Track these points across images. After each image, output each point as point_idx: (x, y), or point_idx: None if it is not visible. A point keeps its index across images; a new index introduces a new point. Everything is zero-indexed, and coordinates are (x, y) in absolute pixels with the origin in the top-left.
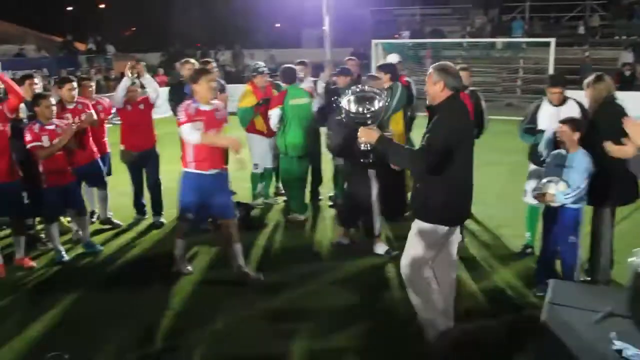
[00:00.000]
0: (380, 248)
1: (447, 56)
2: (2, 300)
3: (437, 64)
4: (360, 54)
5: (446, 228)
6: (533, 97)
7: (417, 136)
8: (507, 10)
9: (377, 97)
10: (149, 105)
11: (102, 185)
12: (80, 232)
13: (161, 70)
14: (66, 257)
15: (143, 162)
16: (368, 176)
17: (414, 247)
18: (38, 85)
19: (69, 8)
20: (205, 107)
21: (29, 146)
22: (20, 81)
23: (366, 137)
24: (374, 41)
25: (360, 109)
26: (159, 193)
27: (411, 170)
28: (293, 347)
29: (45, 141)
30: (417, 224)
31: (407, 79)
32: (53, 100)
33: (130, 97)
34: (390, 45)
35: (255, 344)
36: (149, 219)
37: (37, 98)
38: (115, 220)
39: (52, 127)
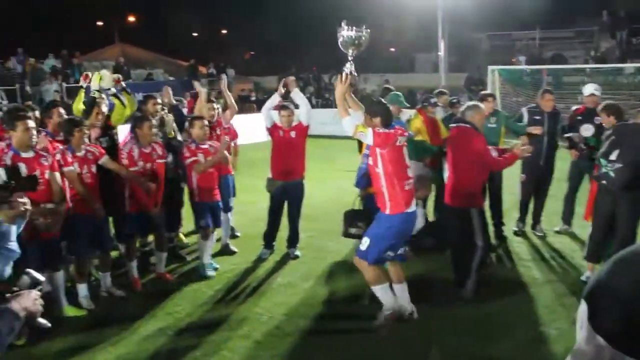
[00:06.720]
0: None
1: (567, 82)
2: (134, 310)
3: None
4: (475, 79)
5: None
6: None
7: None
8: (637, 32)
9: None
10: (302, 133)
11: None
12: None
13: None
14: (212, 273)
15: (287, 194)
16: None
17: None
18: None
19: (195, 34)
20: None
21: (187, 162)
22: (144, 101)
23: None
24: (490, 67)
25: None
26: (298, 225)
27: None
28: None
29: (201, 158)
30: None
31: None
32: (206, 122)
33: (284, 121)
34: (506, 72)
35: None
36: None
37: (193, 119)
38: (232, 247)
39: (205, 146)
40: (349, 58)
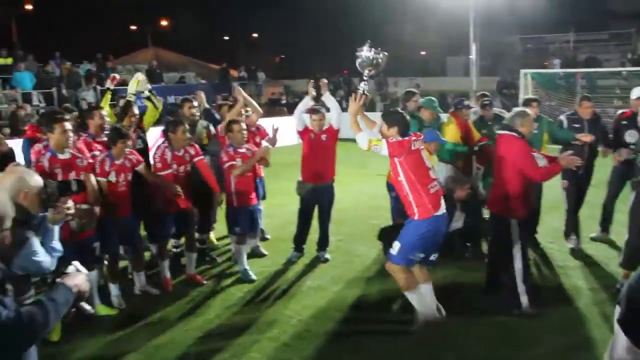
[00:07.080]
0: None
1: (602, 86)
2: (164, 311)
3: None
4: (507, 83)
5: None
6: None
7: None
8: None
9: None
10: (333, 136)
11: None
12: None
13: None
14: (254, 277)
15: (317, 197)
16: None
17: None
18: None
19: (226, 38)
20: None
21: (225, 166)
22: (180, 105)
23: None
24: (522, 71)
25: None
26: (328, 228)
27: None
28: None
29: (239, 162)
30: None
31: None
32: (244, 125)
33: (315, 125)
34: (539, 75)
35: None
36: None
37: (230, 123)
38: (262, 250)
39: (243, 150)
40: (364, 78)
